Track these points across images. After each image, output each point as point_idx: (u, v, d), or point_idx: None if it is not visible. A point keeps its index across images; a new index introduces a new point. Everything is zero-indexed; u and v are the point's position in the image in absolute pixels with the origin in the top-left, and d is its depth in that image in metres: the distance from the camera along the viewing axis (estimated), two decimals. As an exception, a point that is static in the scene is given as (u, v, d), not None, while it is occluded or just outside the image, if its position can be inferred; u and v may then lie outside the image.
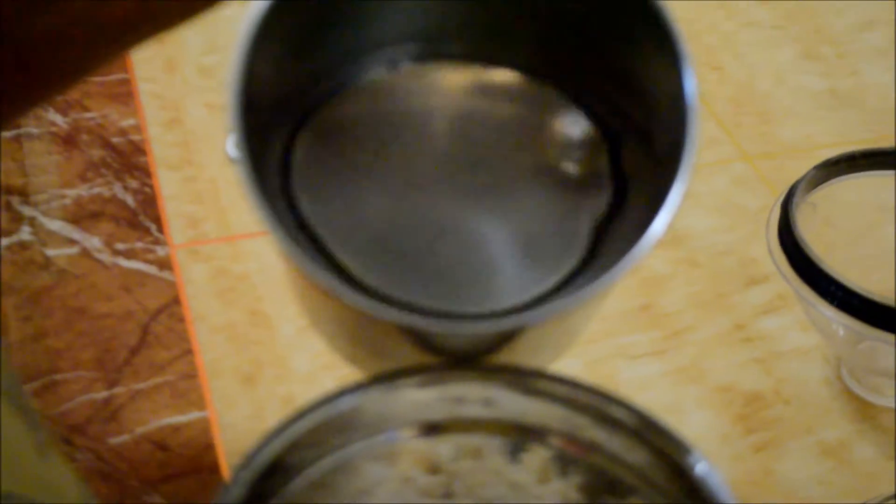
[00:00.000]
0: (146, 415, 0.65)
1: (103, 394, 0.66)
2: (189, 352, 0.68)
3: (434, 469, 0.46)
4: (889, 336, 0.62)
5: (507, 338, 0.41)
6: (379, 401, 0.43)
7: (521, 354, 0.43)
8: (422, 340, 0.41)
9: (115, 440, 0.63)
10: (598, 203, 0.44)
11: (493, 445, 0.45)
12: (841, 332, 0.68)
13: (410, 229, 0.43)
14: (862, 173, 0.71)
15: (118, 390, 0.66)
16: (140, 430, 0.64)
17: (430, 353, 0.42)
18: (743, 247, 0.78)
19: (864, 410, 0.69)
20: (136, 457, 0.63)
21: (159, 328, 0.69)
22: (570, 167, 0.45)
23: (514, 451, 0.45)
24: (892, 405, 0.70)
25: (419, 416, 0.44)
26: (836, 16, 1.00)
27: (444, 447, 0.45)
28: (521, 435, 0.44)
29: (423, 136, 0.44)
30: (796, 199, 0.67)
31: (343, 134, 0.44)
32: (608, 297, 0.75)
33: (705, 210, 0.81)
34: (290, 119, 0.44)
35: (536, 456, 0.45)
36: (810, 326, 0.71)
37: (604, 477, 0.44)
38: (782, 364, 0.71)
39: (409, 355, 0.42)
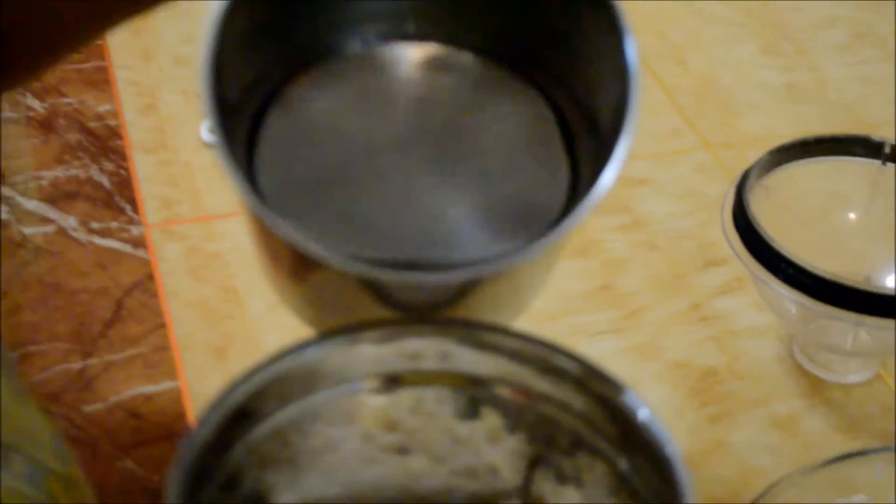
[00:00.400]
0: (119, 384, 0.67)
1: (78, 364, 0.68)
2: (162, 326, 0.70)
3: (391, 427, 0.48)
4: (838, 312, 0.65)
5: (462, 293, 0.43)
6: (341, 353, 0.45)
7: (478, 315, 0.45)
8: (384, 297, 0.43)
9: (89, 408, 0.65)
10: (552, 172, 0.47)
11: (447, 404, 0.47)
12: (793, 310, 0.70)
13: (372, 196, 0.46)
14: (814, 159, 0.73)
15: (92, 361, 0.68)
16: (114, 398, 0.66)
17: (393, 308, 0.44)
18: (701, 231, 0.81)
19: (814, 386, 0.72)
20: (110, 424, 0.65)
21: (133, 303, 0.71)
22: (525, 140, 0.47)
23: (466, 410, 0.47)
24: (842, 381, 0.72)
25: (379, 370, 0.46)
26: (796, 14, 1.03)
27: (401, 406, 0.47)
28: (474, 387, 0.46)
29: (385, 110, 0.47)
30: (750, 182, 0.69)
31: (308, 107, 0.46)
32: (572, 279, 0.77)
33: (666, 197, 0.84)
34: (259, 95, 0.46)
35: (487, 414, 0.47)
36: (765, 307, 0.74)
37: (551, 427, 0.46)
38: (737, 342, 0.74)
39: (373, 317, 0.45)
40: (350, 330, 0.44)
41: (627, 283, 0.77)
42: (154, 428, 0.65)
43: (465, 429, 0.48)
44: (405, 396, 0.47)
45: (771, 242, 0.66)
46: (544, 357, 0.44)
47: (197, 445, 0.41)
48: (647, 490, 0.43)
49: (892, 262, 0.73)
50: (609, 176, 0.41)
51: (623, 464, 0.44)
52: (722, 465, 0.67)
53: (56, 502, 0.43)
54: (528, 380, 0.45)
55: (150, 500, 0.62)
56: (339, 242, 0.43)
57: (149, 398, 0.66)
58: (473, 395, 0.46)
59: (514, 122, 0.47)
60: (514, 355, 0.45)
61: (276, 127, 0.46)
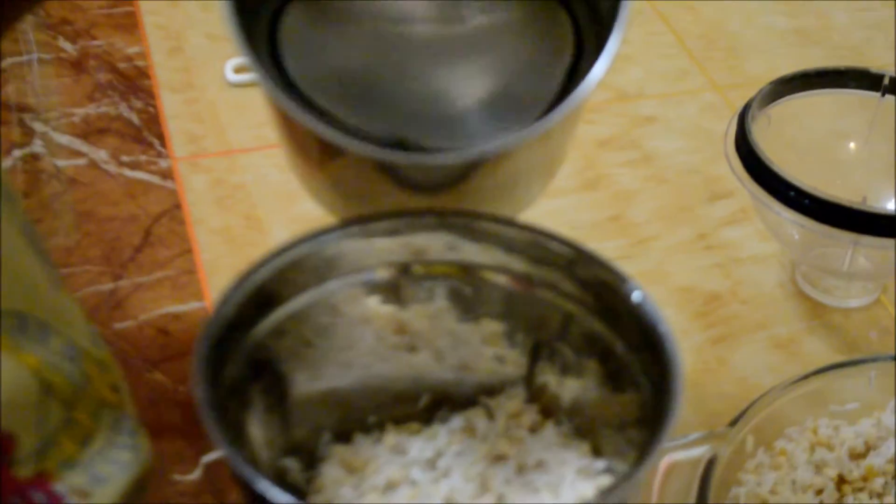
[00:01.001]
0: (149, 304, 0.70)
1: (109, 285, 0.71)
2: (188, 251, 0.74)
3: (401, 330, 0.51)
4: (835, 231, 0.67)
5: (467, 174, 0.46)
6: (354, 243, 0.48)
7: (486, 204, 0.49)
8: (397, 180, 0.47)
9: (120, 325, 0.69)
10: (560, 65, 0.50)
11: (448, 307, 0.50)
12: (795, 235, 0.73)
13: (391, 79, 0.49)
14: (815, 91, 0.76)
15: (123, 283, 0.71)
16: (143, 317, 0.70)
17: (406, 190, 0.47)
18: (709, 166, 0.83)
19: (815, 310, 0.75)
20: (140, 340, 0.68)
21: (161, 230, 0.75)
22: (535, 35, 0.50)
23: (466, 315, 0.51)
24: (842, 305, 0.75)
25: (389, 259, 0.49)
26: (806, -37, 1.05)
27: (408, 311, 0.51)
28: (475, 275, 0.49)
29: (400, 5, 0.50)
30: (752, 111, 0.72)
31: (326, 4, 0.49)
32: (583, 210, 0.79)
33: (675, 134, 0.86)
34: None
35: (486, 321, 0.51)
36: (769, 236, 0.76)
37: (548, 314, 0.49)
38: (741, 269, 0.77)
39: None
40: (363, 221, 0.48)
41: (636, 213, 0.80)
42: (181, 344, 0.68)
43: (466, 330, 0.51)
44: (411, 302, 0.50)
45: (771, 165, 0.68)
46: (540, 243, 0.47)
47: (220, 320, 0.44)
48: (640, 371, 0.46)
49: (890, 190, 0.76)
50: (601, 66, 0.44)
51: (619, 346, 0.47)
52: (724, 382, 0.70)
53: (92, 380, 0.47)
54: (524, 267, 0.48)
55: (178, 409, 0.65)
56: (355, 125, 0.46)
57: (176, 317, 0.70)
58: (475, 289, 0.49)
59: (526, 19, 0.50)
60: (512, 244, 0.48)
61: (294, 22, 0.49)
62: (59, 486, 0.45)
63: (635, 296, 0.45)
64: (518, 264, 0.48)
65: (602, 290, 0.46)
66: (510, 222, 0.47)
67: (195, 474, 0.62)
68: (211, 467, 0.62)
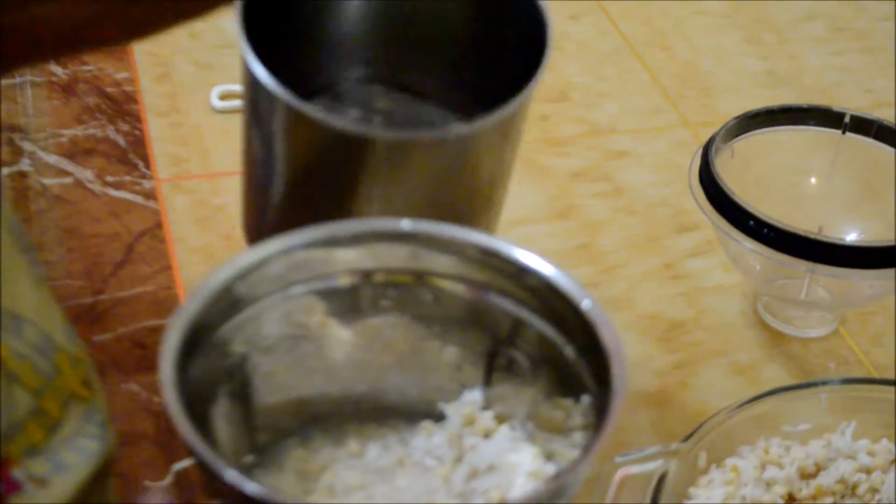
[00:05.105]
0: (127, 318, 0.72)
1: (89, 299, 0.73)
2: (168, 268, 0.76)
3: (361, 340, 0.54)
4: (792, 260, 0.70)
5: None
6: (319, 251, 0.50)
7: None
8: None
9: (98, 337, 0.71)
10: None
11: (408, 316, 0.53)
12: (757, 265, 0.75)
13: None
14: (778, 127, 0.78)
15: (103, 297, 0.74)
16: (121, 330, 0.72)
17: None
18: (677, 200, 0.86)
19: (774, 339, 0.77)
20: (117, 352, 0.70)
21: (142, 247, 0.77)
22: None
23: (424, 324, 0.53)
24: (802, 335, 0.77)
25: (353, 267, 0.51)
26: (780, 9, 1.08)
27: (368, 322, 0.53)
28: (431, 282, 0.51)
29: None
30: (717, 144, 0.75)
31: None
32: (552, 238, 0.82)
33: (646, 168, 0.89)
34: None
35: (442, 326, 0.53)
36: (732, 268, 0.79)
37: (503, 322, 0.51)
38: (705, 298, 0.79)
39: None
40: (328, 229, 0.50)
41: (605, 243, 0.82)
42: (157, 357, 0.70)
43: (425, 339, 0.53)
44: (372, 310, 0.53)
45: (732, 196, 0.71)
46: (492, 252, 0.50)
47: (189, 315, 0.46)
48: (589, 374, 0.49)
49: (849, 225, 0.78)
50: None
51: (569, 351, 0.49)
52: (684, 404, 0.72)
53: (62, 373, 0.49)
54: (479, 275, 0.50)
55: (151, 418, 0.67)
56: None
57: (153, 330, 0.72)
58: (434, 298, 0.52)
59: None
60: (467, 253, 0.50)
61: None
62: (18, 473, 0.47)
63: (585, 304, 0.48)
64: (473, 273, 0.50)
65: (551, 295, 0.49)
66: (465, 232, 0.50)
67: (166, 481, 0.64)
68: (181, 475, 0.64)
